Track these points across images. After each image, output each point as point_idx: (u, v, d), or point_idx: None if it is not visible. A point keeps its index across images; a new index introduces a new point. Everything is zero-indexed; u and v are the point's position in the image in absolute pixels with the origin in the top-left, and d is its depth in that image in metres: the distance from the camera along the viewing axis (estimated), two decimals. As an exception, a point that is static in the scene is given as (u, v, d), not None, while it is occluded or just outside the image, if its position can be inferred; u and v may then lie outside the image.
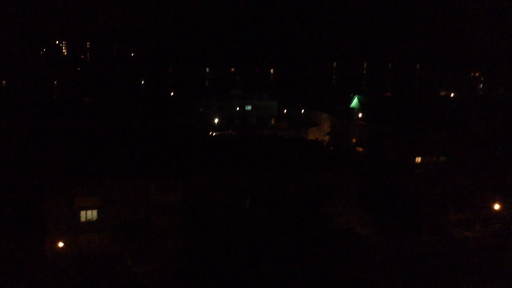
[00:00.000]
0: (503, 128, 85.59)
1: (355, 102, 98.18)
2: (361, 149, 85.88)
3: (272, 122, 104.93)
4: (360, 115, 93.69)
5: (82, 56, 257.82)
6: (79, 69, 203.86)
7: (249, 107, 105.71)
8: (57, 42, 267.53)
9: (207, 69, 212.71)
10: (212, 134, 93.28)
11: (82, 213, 48.27)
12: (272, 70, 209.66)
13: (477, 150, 76.54)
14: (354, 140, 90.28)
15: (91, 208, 48.49)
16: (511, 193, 62.61)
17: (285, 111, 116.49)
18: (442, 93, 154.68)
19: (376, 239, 54.58)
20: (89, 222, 48.39)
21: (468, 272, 47.39)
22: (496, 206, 57.63)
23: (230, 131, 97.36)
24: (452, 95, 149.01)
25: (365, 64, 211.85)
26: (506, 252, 52.00)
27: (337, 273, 46.29)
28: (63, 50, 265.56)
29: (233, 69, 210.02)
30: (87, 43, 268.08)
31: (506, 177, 67.17)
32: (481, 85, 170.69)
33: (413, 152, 76.33)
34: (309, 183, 54.79)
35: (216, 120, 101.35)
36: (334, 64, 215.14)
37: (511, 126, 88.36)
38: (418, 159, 77.08)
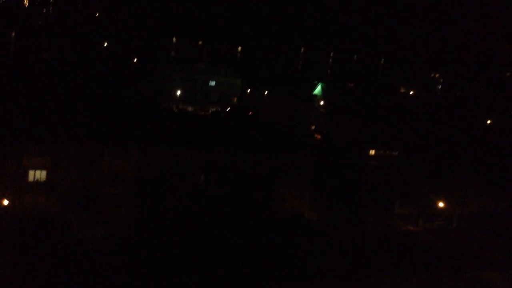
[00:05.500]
0: (455, 130, 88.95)
1: (318, 89, 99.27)
2: (319, 136, 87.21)
3: (234, 100, 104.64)
4: (321, 102, 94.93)
5: (45, 10, 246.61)
6: (40, 23, 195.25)
7: (213, 83, 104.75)
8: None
9: (174, 39, 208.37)
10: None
11: (31, 172, 47.02)
12: (239, 48, 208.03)
13: (428, 149, 79.24)
14: (313, 127, 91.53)
15: (40, 168, 47.25)
16: (455, 192, 65.34)
17: (248, 90, 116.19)
18: (402, 90, 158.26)
19: (324, 225, 55.90)
20: (37, 183, 47.19)
21: (405, 263, 49.43)
22: (440, 204, 60.05)
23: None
24: (411, 92, 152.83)
25: (331, 53, 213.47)
26: (443, 248, 54.56)
27: (282, 254, 47.23)
28: (24, 1, 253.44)
29: (200, 42, 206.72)
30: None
31: (452, 176, 69.94)
32: (440, 86, 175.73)
33: (369, 144, 78.24)
34: (264, 164, 55.31)
35: (178, 92, 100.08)
36: (302, 49, 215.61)
37: (463, 128, 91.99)
38: (373, 152, 79.11)
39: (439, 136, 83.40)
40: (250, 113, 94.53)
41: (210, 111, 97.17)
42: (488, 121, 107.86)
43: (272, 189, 55.65)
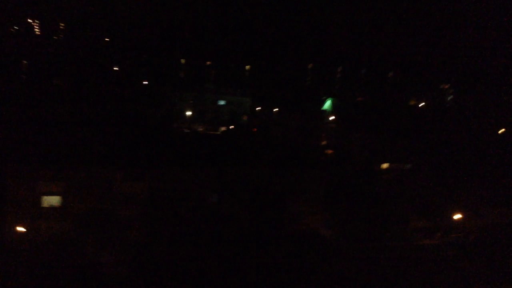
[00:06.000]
0: (468, 140, 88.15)
1: (327, 104, 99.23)
2: (330, 151, 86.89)
3: (244, 119, 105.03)
4: (331, 117, 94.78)
5: (55, 37, 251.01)
6: (51, 49, 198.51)
7: (222, 102, 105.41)
8: (29, 20, 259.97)
9: (183, 60, 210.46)
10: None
11: (44, 198, 47.22)
12: (247, 67, 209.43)
13: (441, 160, 78.52)
14: (324, 142, 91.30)
15: (54, 194, 47.47)
16: (472, 203, 64.47)
17: (257, 108, 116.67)
18: (412, 102, 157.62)
19: (339, 241, 55.35)
20: (51, 208, 47.36)
21: (422, 279, 48.58)
22: (457, 216, 59.22)
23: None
24: (421, 104, 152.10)
25: (339, 68, 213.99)
26: (461, 262, 53.59)
27: (299, 273, 46.74)
28: (36, 29, 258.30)
29: (208, 62, 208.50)
30: (61, 24, 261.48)
31: (467, 187, 69.11)
32: (450, 98, 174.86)
33: (381, 158, 77.74)
34: (276, 181, 55.09)
35: (188, 113, 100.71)
36: (309, 66, 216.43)
37: (475, 138, 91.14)
38: (385, 165, 78.55)
39: (452, 147, 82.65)
40: (255, 129, 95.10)
41: (220, 130, 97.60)
42: (501, 130, 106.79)
43: (285, 207, 55.28)
